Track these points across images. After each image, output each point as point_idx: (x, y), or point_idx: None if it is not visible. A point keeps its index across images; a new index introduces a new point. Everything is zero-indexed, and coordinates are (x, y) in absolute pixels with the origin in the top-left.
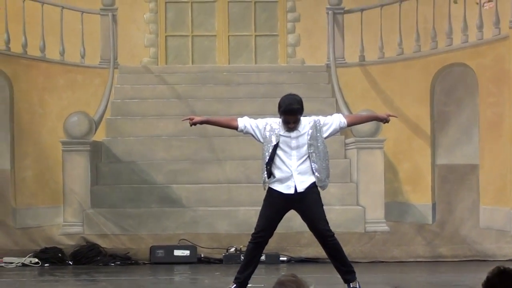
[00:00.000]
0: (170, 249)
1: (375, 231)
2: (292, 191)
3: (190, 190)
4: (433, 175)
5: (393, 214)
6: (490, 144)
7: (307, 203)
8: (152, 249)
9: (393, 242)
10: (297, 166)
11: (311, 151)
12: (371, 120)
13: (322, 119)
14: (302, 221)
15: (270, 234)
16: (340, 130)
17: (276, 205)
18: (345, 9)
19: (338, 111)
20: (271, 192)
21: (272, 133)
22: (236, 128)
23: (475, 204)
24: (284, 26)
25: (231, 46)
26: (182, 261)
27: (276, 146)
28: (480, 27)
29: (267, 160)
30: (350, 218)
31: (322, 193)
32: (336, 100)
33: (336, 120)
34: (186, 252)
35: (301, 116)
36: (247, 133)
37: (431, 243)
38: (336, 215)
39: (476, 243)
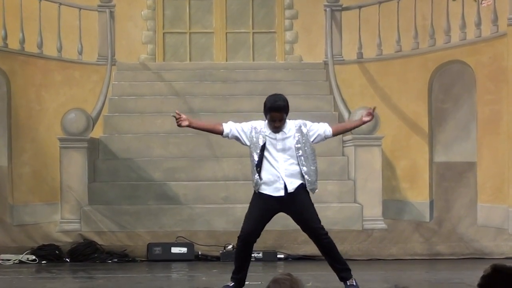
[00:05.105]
0: (167, 246)
1: (372, 229)
2: (282, 193)
3: (188, 187)
4: (431, 173)
5: (390, 211)
6: (488, 142)
7: (298, 203)
8: (149, 246)
9: (391, 239)
10: (285, 169)
11: (300, 154)
12: (357, 127)
13: (308, 124)
14: None
15: (258, 235)
16: (325, 139)
17: (266, 207)
18: (343, 6)
19: (336, 108)
20: (259, 196)
21: (258, 134)
22: (221, 133)
23: (473, 201)
24: (282, 23)
25: (228, 43)
26: (179, 258)
27: (263, 148)
28: (478, 24)
29: (256, 162)
30: (348, 215)
31: (320, 191)
32: (334, 97)
33: (321, 129)
34: (184, 250)
35: (286, 115)
36: (232, 137)
37: (429, 241)
38: (333, 212)
39: (474, 240)
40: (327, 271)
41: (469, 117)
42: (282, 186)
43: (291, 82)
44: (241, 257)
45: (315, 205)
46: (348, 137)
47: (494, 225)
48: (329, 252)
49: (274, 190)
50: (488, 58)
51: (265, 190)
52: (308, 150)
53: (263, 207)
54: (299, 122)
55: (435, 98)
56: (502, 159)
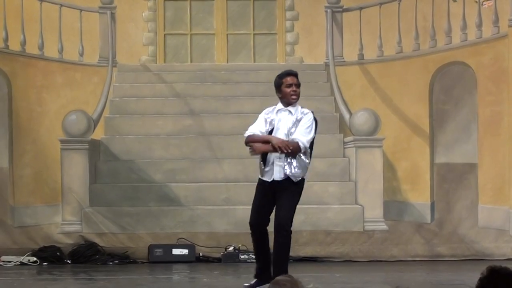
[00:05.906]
0: (168, 248)
1: (373, 230)
2: (270, 179)
3: (189, 188)
4: (432, 174)
5: (391, 213)
6: (489, 143)
7: (281, 192)
8: (151, 248)
9: (392, 241)
10: (278, 156)
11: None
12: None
13: (303, 119)
14: (300, 220)
15: (264, 221)
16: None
17: (261, 192)
18: (344, 7)
19: (337, 109)
20: (258, 182)
21: (268, 121)
22: None
23: (474, 203)
24: (283, 24)
25: (229, 45)
26: (180, 260)
27: (270, 133)
28: (479, 25)
29: None
30: (349, 217)
31: (321, 192)
32: (335, 98)
33: (298, 134)
34: (185, 251)
35: (299, 84)
36: None
37: (430, 242)
38: (334, 214)
39: (475, 242)
40: (328, 272)
41: (470, 118)
42: (272, 172)
43: None
44: (256, 248)
45: (315, 206)
46: (349, 138)
47: (495, 227)
48: (279, 251)
49: (266, 174)
50: (489, 59)
51: (262, 175)
52: None
53: (260, 195)
54: (301, 111)
55: (436, 99)
56: (503, 160)
